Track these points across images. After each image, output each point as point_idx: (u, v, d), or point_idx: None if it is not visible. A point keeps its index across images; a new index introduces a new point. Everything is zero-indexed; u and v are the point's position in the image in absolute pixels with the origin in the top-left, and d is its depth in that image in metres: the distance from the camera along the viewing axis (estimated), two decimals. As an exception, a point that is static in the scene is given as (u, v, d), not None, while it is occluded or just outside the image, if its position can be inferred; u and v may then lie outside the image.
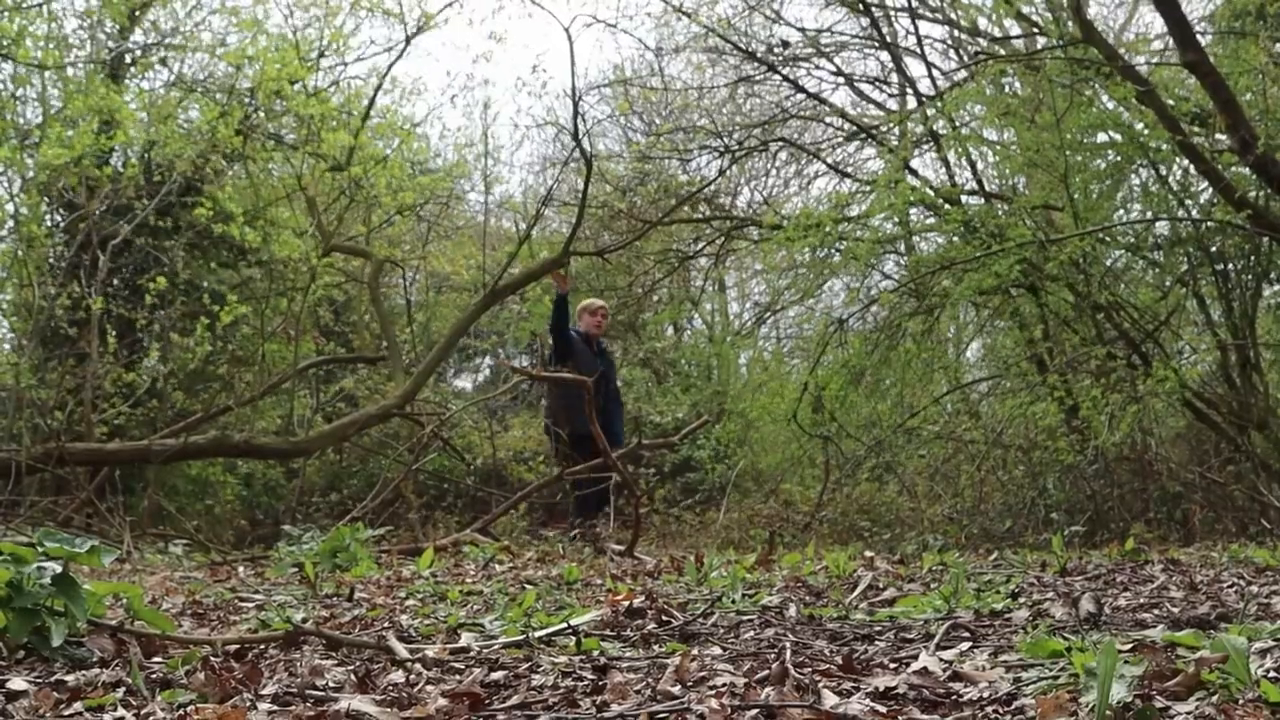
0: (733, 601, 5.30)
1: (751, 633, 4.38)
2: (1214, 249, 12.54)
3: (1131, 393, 12.17)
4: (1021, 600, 5.08)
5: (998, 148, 15.10)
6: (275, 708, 3.12)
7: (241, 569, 9.00)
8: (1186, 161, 12.09)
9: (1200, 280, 12.99)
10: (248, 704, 3.16)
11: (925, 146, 15.64)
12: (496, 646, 4.12)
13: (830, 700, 2.99)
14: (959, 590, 5.02)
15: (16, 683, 3.44)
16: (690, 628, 4.48)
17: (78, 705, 3.18)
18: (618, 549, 10.15)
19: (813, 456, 15.31)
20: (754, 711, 2.81)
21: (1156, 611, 4.63)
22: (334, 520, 12.49)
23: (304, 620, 4.73)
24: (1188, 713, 2.59)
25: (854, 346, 14.37)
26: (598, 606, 4.98)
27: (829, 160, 17.82)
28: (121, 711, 3.10)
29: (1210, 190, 12.26)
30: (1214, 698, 2.75)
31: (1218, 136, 12.10)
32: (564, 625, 4.35)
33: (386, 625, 4.83)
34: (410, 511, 14.52)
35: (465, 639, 4.35)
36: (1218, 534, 11.28)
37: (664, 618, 4.72)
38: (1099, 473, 12.36)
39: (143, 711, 3.10)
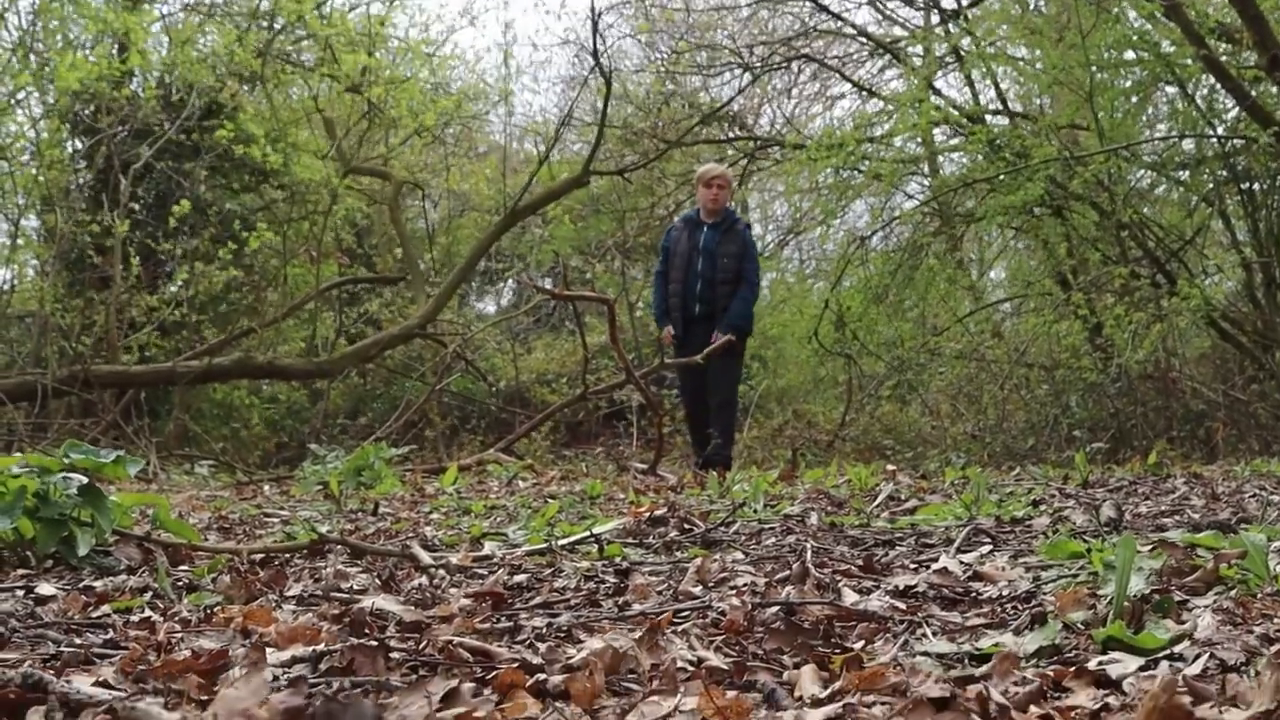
0: (755, 511, 5.32)
1: (773, 539, 4.40)
2: (1240, 167, 12.43)
3: (1155, 311, 12.13)
4: (1042, 508, 5.09)
5: (1022, 66, 14.95)
6: (300, 608, 3.16)
7: (267, 488, 9.07)
8: (1213, 79, 11.97)
9: (1226, 199, 12.89)
10: (273, 604, 3.20)
11: (949, 65, 15.53)
12: (520, 554, 4.15)
13: (850, 598, 3.01)
14: (980, 499, 5.03)
15: (45, 588, 3.48)
16: (712, 535, 4.49)
17: (105, 608, 3.22)
18: (640, 467, 10.19)
19: (835, 376, 15.32)
20: (775, 608, 2.82)
21: (1177, 518, 4.63)
22: (358, 442, 12.55)
23: (328, 533, 4.77)
24: (1205, 606, 2.60)
25: (876, 265, 14.35)
26: (620, 517, 5.01)
27: (852, 79, 17.69)
28: (149, 613, 3.14)
29: (1237, 108, 12.14)
30: (1232, 592, 2.76)
31: (1245, 54, 11.98)
32: (587, 534, 4.37)
33: (410, 536, 4.86)
34: (430, 429, 14.59)
35: (488, 547, 4.38)
36: (1241, 452, 11.26)
37: (686, 525, 4.74)
38: (1122, 391, 12.33)
39: (169, 612, 3.13)
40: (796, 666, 2.32)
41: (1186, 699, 1.71)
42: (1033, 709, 1.83)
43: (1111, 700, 1.93)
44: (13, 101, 13.91)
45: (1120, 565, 2.47)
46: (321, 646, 2.43)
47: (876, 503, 5.58)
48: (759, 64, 17.35)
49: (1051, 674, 2.11)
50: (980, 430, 13.44)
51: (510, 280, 22.45)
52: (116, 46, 13.97)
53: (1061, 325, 13.33)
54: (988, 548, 3.90)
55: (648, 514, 4.99)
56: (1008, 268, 18.14)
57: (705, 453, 10.14)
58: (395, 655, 2.41)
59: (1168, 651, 2.22)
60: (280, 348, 16.08)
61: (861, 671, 2.16)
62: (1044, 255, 14.25)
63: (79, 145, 15.46)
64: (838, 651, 2.43)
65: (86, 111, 14.47)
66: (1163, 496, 5.70)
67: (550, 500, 6.36)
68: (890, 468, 8.41)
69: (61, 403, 13.18)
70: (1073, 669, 2.12)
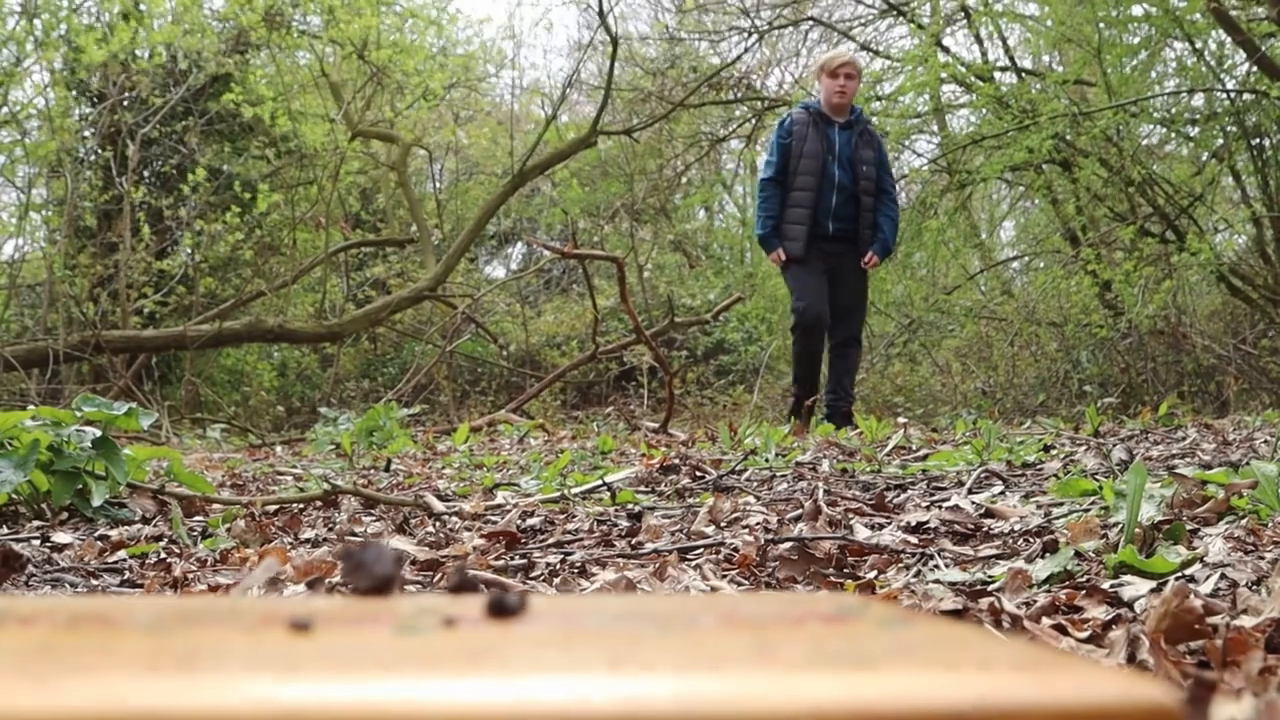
0: (766, 460, 5.32)
1: (785, 485, 4.41)
2: (1250, 123, 12.38)
3: (1165, 267, 12.11)
4: (1054, 453, 5.10)
5: (1030, 23, 14.89)
6: (314, 550, 3.17)
7: (279, 449, 9.10)
8: (1223, 34, 11.92)
9: (1235, 154, 12.84)
10: (288, 547, 3.21)
11: (957, 23, 15.46)
12: (533, 501, 4.16)
13: (862, 533, 3.02)
14: (991, 444, 5.04)
15: (61, 536, 3.50)
16: (724, 481, 4.50)
17: (121, 553, 3.24)
18: (652, 426, 10.21)
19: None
20: (787, 544, 2.83)
21: (1188, 460, 4.64)
22: (369, 406, 12.59)
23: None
24: (1216, 533, 2.61)
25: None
26: (632, 468, 5.02)
27: (860, 39, 17.63)
28: (164, 557, 3.15)
29: (1247, 62, 12.09)
30: (1243, 521, 2.77)
31: (1256, 10, 11.93)
32: (599, 482, 4.38)
33: (423, 489, 4.88)
34: (441, 394, 14.61)
35: (501, 496, 4.39)
36: (1252, 407, 11.25)
37: (698, 473, 4.75)
38: (1132, 346, 12.33)
39: (186, 554, 3.15)
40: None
41: (1198, 604, 1.72)
42: (1045, 620, 1.84)
43: (1123, 613, 1.94)
44: (20, 68, 13.90)
45: (1131, 492, 2.48)
46: (337, 579, 2.44)
47: (887, 450, 5.60)
48: (765, 25, 17.30)
49: (1064, 596, 2.12)
50: (991, 387, 13.46)
51: (519, 245, 22.47)
52: (123, 17, 13.94)
53: (1071, 281, 13.32)
54: (999, 489, 3.91)
55: (660, 463, 5.01)
56: (1016, 225, 18.12)
57: (829, 401, 8.84)
58: (410, 589, 2.43)
59: (1179, 575, 2.23)
60: (290, 314, 16.11)
61: (874, 596, 2.17)
62: (1053, 213, 14.22)
63: (86, 112, 15.47)
64: (850, 580, 2.44)
65: (94, 79, 14.47)
66: (1174, 443, 5.70)
67: (562, 453, 6.38)
68: (902, 420, 8.40)
69: (73, 369, 13.22)
70: (1084, 591, 2.13)
